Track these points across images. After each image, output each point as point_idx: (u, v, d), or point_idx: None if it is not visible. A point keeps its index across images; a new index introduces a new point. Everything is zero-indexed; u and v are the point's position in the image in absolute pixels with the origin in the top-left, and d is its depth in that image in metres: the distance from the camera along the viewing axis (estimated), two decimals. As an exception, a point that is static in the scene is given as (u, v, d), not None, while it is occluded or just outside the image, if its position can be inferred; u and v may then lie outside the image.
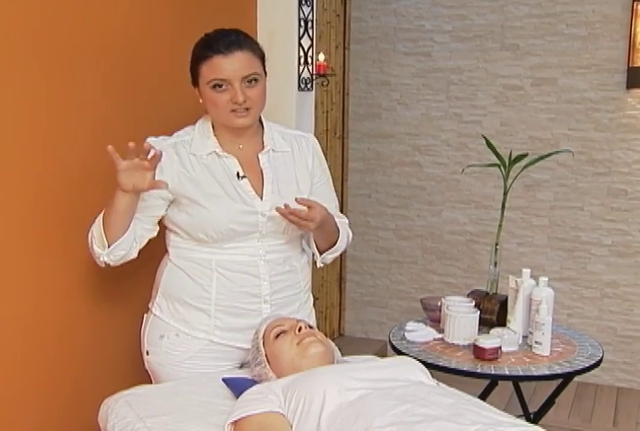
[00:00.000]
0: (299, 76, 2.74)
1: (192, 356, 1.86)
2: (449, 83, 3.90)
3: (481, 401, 1.60)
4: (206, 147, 1.85)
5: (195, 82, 1.83)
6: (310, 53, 2.79)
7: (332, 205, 2.04)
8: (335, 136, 4.04)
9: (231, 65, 1.75)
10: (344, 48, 4.07)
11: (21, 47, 1.76)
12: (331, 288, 4.13)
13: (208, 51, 1.77)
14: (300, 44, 2.73)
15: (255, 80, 1.79)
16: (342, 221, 2.04)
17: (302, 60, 2.74)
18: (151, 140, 1.82)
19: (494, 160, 2.69)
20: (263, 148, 1.90)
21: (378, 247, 4.17)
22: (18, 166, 1.80)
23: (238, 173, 1.84)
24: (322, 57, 3.12)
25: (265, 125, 1.93)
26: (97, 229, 1.77)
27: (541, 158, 2.70)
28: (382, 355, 3.69)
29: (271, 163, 1.89)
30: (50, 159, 1.89)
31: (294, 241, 1.95)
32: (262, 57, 1.84)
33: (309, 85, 2.81)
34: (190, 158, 1.83)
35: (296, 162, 1.94)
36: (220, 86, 1.76)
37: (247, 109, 1.78)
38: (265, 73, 1.85)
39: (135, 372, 2.07)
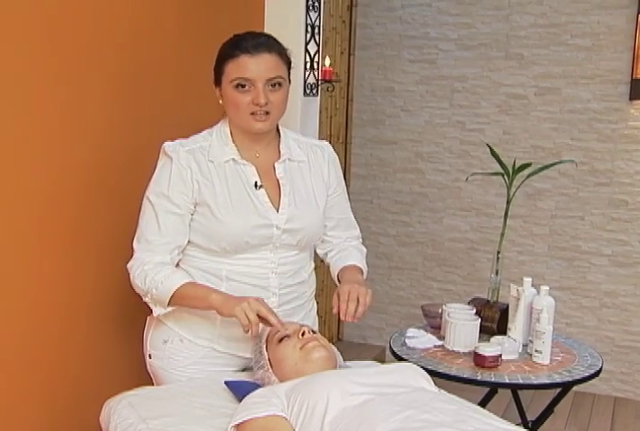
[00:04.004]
0: (305, 82, 2.74)
1: (195, 362, 1.85)
2: (453, 91, 3.92)
3: (482, 409, 1.61)
4: (224, 154, 1.81)
5: (218, 81, 1.81)
6: (316, 58, 2.80)
7: (347, 216, 2.06)
8: (339, 142, 4.05)
9: (257, 65, 1.73)
10: (349, 55, 4.08)
11: (33, 48, 1.77)
12: (330, 293, 4.10)
13: (235, 50, 1.75)
14: (307, 49, 2.74)
15: (279, 84, 1.77)
16: (362, 251, 2.06)
17: (308, 66, 2.75)
18: (168, 145, 1.80)
19: (496, 168, 2.70)
20: (280, 157, 1.87)
21: (379, 253, 4.17)
22: (28, 166, 1.81)
23: (256, 183, 1.81)
24: (328, 61, 3.14)
25: (282, 132, 1.90)
26: (163, 289, 1.73)
27: (545, 167, 2.71)
28: (380, 360, 3.69)
29: (288, 173, 1.86)
30: (60, 160, 1.90)
31: (305, 252, 1.93)
32: (289, 64, 1.83)
33: (314, 91, 2.82)
34: (208, 165, 1.79)
35: (312, 172, 1.91)
36: (243, 86, 1.74)
37: (267, 113, 1.76)
38: (289, 80, 1.83)
39: (137, 373, 2.07)
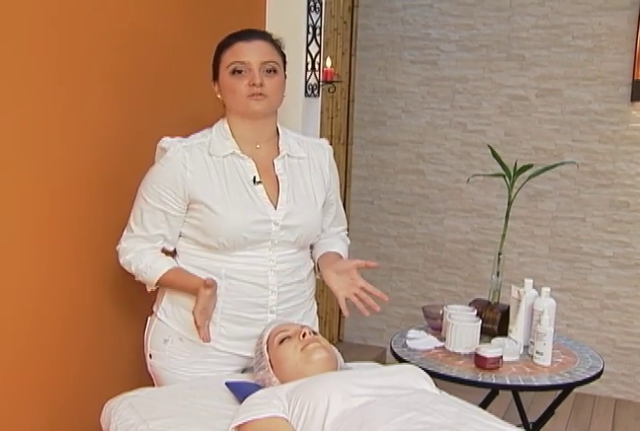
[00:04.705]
0: (306, 82, 2.74)
1: (195, 362, 1.86)
2: (455, 92, 3.92)
3: (483, 411, 1.60)
4: (225, 148, 1.83)
5: (215, 74, 1.85)
6: (317, 59, 2.80)
7: (341, 211, 2.09)
8: (340, 143, 4.05)
9: (251, 50, 1.79)
10: (350, 55, 4.08)
11: (33, 47, 1.77)
12: (331, 294, 4.09)
13: (231, 39, 1.83)
14: (308, 50, 2.74)
15: (274, 70, 1.81)
16: (347, 242, 2.10)
17: (309, 66, 2.75)
18: (166, 141, 1.83)
19: (498, 169, 2.70)
20: (279, 154, 1.89)
21: (379, 254, 4.17)
22: (30, 165, 1.80)
23: (255, 178, 1.83)
24: (329, 62, 3.14)
25: (281, 131, 1.92)
26: (147, 277, 1.85)
27: (546, 169, 2.71)
28: (381, 361, 3.69)
29: (287, 170, 1.88)
30: (62, 158, 1.90)
31: (304, 251, 1.94)
32: (283, 56, 1.88)
33: (316, 91, 2.82)
34: (205, 160, 1.81)
35: (311, 169, 1.93)
36: (240, 72, 1.78)
37: (264, 96, 1.79)
38: (285, 74, 1.87)
39: (138, 373, 2.07)
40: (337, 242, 2.04)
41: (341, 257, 1.97)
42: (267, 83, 1.79)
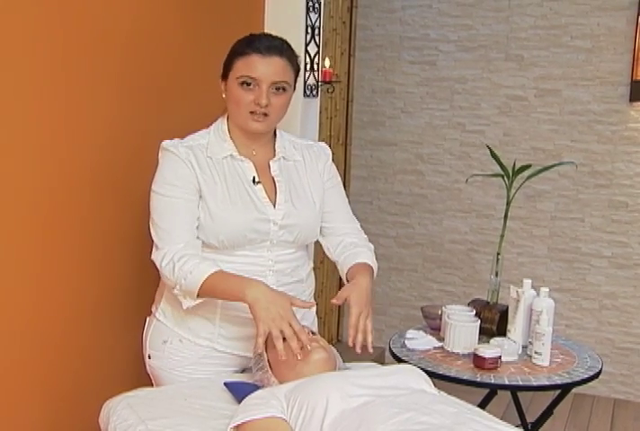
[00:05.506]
0: (305, 83, 2.74)
1: (194, 362, 1.86)
2: (453, 93, 3.92)
3: (482, 411, 1.61)
4: (222, 150, 1.84)
5: (225, 75, 1.83)
6: (316, 60, 2.80)
7: (344, 207, 2.02)
8: (339, 143, 4.05)
9: (266, 66, 1.76)
10: (349, 56, 4.08)
11: (36, 48, 1.77)
12: (330, 294, 4.12)
13: (247, 48, 1.78)
14: (307, 51, 2.74)
15: (284, 89, 1.79)
16: (371, 249, 2.00)
17: (308, 67, 2.75)
18: (167, 143, 1.82)
19: (496, 169, 2.70)
20: (275, 156, 1.89)
21: (378, 254, 4.07)
22: (31, 165, 1.80)
23: (254, 178, 1.83)
24: (328, 62, 3.14)
25: (278, 133, 1.93)
26: (192, 278, 1.70)
27: (545, 169, 2.71)
28: (380, 362, 3.69)
29: (283, 172, 1.88)
30: (64, 159, 1.90)
31: (302, 251, 1.94)
32: (297, 72, 1.86)
33: (314, 92, 2.82)
34: (206, 161, 1.82)
35: (307, 170, 1.93)
36: (248, 85, 1.77)
37: (266, 115, 1.78)
38: (295, 87, 1.85)
39: (137, 374, 2.07)
40: (361, 252, 1.95)
41: (367, 268, 1.90)
42: (273, 101, 1.77)
